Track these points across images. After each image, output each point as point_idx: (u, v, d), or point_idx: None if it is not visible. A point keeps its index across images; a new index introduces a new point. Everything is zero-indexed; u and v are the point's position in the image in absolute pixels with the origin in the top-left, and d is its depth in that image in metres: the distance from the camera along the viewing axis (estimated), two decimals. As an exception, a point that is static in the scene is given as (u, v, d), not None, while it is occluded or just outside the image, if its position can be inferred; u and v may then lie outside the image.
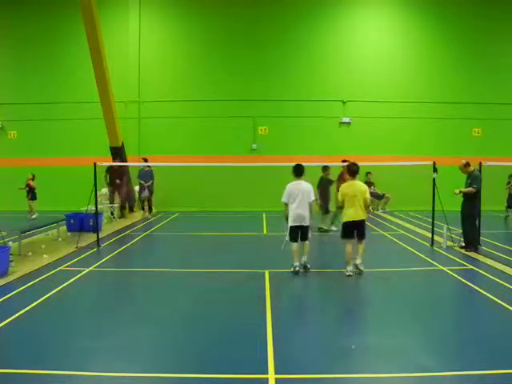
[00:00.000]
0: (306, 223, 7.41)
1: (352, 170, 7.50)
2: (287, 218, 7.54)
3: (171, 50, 17.76)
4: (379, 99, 17.30)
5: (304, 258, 7.67)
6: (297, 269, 7.45)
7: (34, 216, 14.36)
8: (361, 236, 7.41)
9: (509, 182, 14.72)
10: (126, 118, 16.91)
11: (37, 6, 17.39)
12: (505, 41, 17.46)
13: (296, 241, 7.47)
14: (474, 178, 9.08)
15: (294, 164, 7.77)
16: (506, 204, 14.73)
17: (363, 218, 7.36)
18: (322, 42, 17.58)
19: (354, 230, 7.37)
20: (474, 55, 17.48)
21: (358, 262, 7.41)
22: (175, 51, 17.75)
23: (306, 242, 7.56)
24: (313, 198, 7.45)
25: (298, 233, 7.45)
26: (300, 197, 7.35)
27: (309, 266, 7.65)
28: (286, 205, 7.51)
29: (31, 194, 14.51)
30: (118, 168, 13.99)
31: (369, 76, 17.40)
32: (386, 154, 16.43)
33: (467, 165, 9.26)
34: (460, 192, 9.11)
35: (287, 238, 7.59)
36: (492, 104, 17.25)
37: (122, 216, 14.51)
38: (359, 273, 7.39)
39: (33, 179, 14.61)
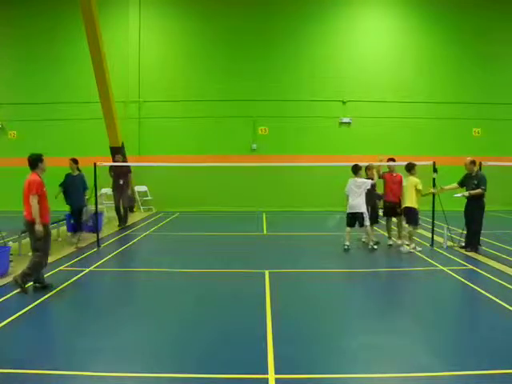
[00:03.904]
0: (360, 210, 9.13)
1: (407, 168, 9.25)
2: None
3: (171, 50, 17.76)
4: (379, 99, 17.29)
5: (363, 239, 9.82)
6: (345, 247, 9.24)
7: None
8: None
9: None
10: (125, 118, 16.92)
11: (37, 6, 17.38)
12: (505, 41, 17.43)
13: (350, 226, 9.32)
14: (481, 179, 9.04)
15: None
16: None
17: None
18: (322, 41, 17.57)
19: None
20: (473, 55, 17.47)
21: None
22: (175, 51, 17.74)
23: (365, 227, 9.26)
24: (366, 186, 9.20)
25: (353, 219, 9.24)
26: (354, 190, 9.17)
27: (368, 245, 9.42)
28: (347, 196, 9.36)
29: None
30: (120, 167, 12.74)
31: (369, 76, 17.39)
32: (386, 154, 16.38)
33: (473, 162, 9.24)
34: (469, 194, 9.07)
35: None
36: (492, 104, 17.24)
37: (124, 222, 12.90)
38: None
39: None
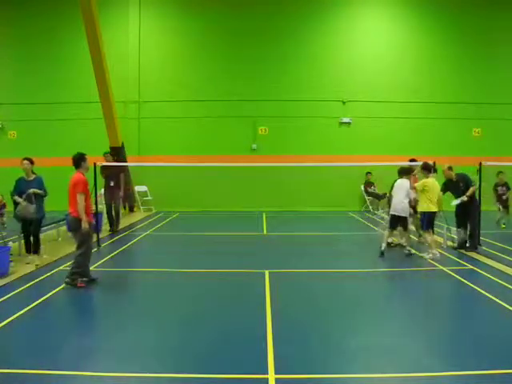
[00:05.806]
0: (402, 214, 8.79)
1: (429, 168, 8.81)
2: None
3: (171, 50, 17.74)
4: (379, 99, 17.28)
5: (402, 241, 9.29)
6: (381, 249, 8.77)
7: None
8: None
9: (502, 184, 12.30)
10: (125, 118, 16.92)
11: (37, 6, 17.37)
12: (505, 41, 17.42)
13: (391, 228, 8.94)
14: (464, 179, 9.16)
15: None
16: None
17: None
18: (322, 41, 17.56)
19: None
20: (474, 55, 17.47)
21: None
22: (175, 51, 17.73)
23: (405, 232, 9.08)
24: (406, 193, 8.75)
25: (397, 222, 8.88)
26: (398, 192, 8.89)
27: (407, 249, 8.95)
28: (391, 196, 9.16)
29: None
30: (109, 168, 11.94)
31: (369, 76, 17.39)
32: (386, 154, 16.42)
33: (450, 168, 9.37)
34: (467, 198, 9.03)
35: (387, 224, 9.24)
36: (492, 104, 17.24)
37: (116, 226, 12.19)
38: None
39: None
